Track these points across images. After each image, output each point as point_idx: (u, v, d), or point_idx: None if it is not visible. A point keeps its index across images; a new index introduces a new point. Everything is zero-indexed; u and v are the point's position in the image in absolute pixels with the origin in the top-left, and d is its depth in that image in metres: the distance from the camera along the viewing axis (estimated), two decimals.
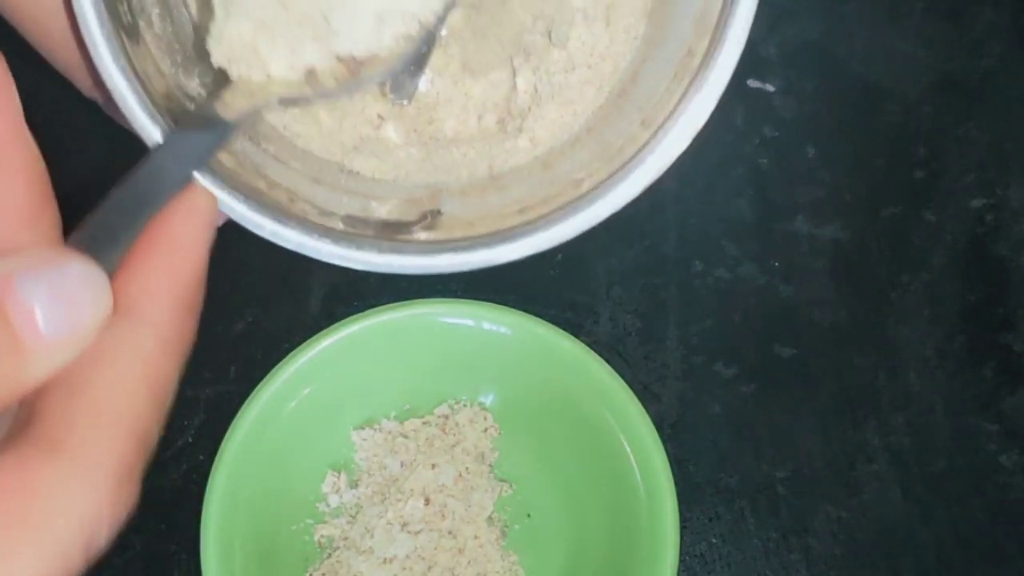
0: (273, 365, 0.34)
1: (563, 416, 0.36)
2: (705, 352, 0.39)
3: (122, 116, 0.24)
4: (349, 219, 0.25)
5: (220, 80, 0.25)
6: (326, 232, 0.24)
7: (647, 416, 0.34)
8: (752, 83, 0.45)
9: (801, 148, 0.43)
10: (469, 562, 0.35)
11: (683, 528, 0.36)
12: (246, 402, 0.34)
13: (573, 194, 0.25)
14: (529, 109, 0.28)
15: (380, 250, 0.24)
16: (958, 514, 0.37)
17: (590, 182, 0.25)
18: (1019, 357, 0.39)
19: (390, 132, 0.28)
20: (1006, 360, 0.39)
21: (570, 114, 0.28)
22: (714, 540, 0.36)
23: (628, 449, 0.34)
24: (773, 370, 0.39)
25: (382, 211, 0.26)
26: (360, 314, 0.35)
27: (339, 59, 0.25)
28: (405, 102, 0.28)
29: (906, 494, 0.37)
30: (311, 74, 0.25)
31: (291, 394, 0.35)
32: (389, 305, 0.36)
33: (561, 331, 0.35)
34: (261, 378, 0.38)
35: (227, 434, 0.34)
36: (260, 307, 0.39)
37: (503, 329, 0.35)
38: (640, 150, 0.24)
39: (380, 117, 0.28)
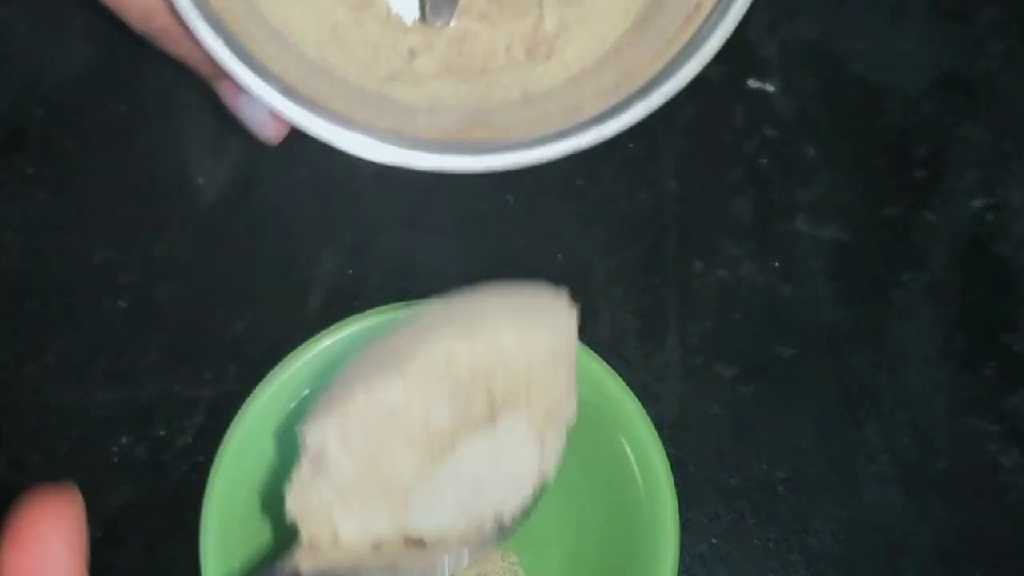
0: (273, 365, 0.34)
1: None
2: (705, 352, 0.39)
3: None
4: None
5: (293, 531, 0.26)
6: (389, 136, 0.25)
7: (647, 416, 0.34)
8: (752, 83, 0.45)
9: (801, 148, 0.43)
10: (468, 563, 0.35)
11: (683, 528, 0.36)
12: (246, 402, 0.34)
13: (609, 101, 0.25)
14: (557, 35, 0.29)
15: (432, 150, 0.25)
16: (958, 514, 0.37)
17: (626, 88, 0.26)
18: (1019, 357, 0.39)
19: (422, 65, 0.29)
20: (1006, 360, 0.39)
21: (598, 38, 0.29)
22: (714, 540, 0.36)
23: (628, 449, 0.34)
24: (773, 370, 0.39)
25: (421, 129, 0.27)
26: (360, 314, 0.35)
27: (408, 539, 0.25)
28: (439, 23, 0.28)
29: (906, 494, 0.37)
30: (377, 547, 0.25)
31: (291, 395, 0.35)
32: (389, 306, 0.36)
33: None
34: (261, 378, 0.38)
35: (227, 434, 0.34)
36: (260, 307, 0.39)
37: None
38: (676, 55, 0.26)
39: (411, 51, 0.29)
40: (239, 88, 0.25)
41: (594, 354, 0.35)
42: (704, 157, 0.43)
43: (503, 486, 0.26)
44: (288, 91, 0.24)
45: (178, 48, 0.28)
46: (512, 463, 0.26)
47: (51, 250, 0.40)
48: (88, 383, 0.38)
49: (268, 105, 0.24)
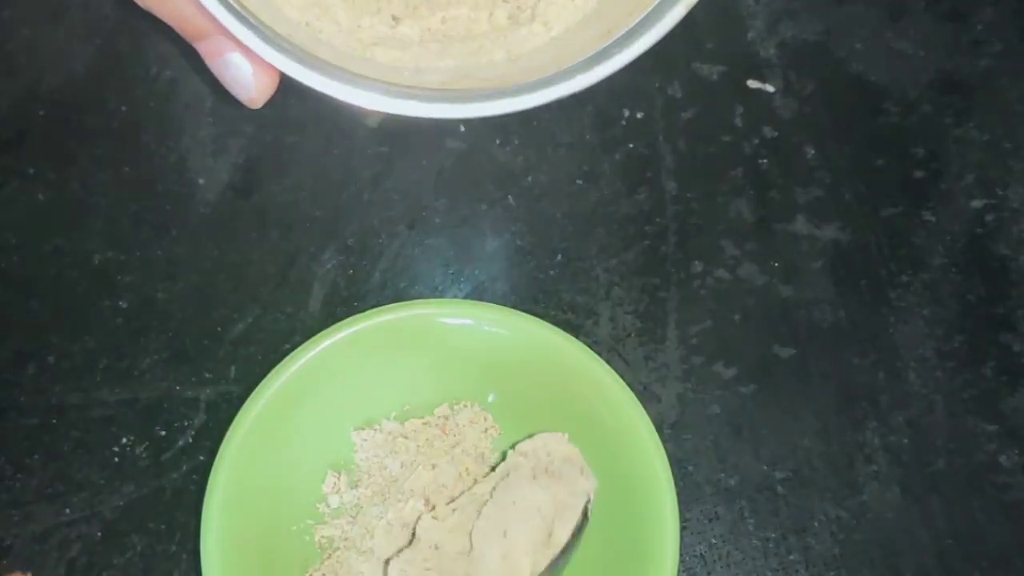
0: (273, 365, 0.34)
1: (563, 416, 0.36)
2: (705, 352, 0.39)
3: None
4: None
5: None
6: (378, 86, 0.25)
7: (647, 416, 0.34)
8: (752, 83, 0.45)
9: (801, 148, 0.43)
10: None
11: (683, 528, 0.36)
12: (246, 402, 0.34)
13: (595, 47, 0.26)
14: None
15: (424, 99, 0.25)
16: (958, 514, 0.37)
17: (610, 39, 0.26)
18: (1019, 357, 0.39)
19: (406, 31, 0.29)
20: (1006, 360, 0.39)
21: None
22: (714, 540, 0.36)
23: (628, 449, 0.34)
24: (773, 370, 0.39)
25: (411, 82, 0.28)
26: (360, 314, 0.35)
27: None
28: None
29: (906, 494, 0.37)
30: None
31: (291, 394, 0.35)
32: (389, 306, 0.36)
33: (560, 331, 0.35)
34: (261, 378, 0.38)
35: (227, 434, 0.34)
36: (260, 307, 0.39)
37: (502, 330, 0.35)
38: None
39: (395, 18, 0.29)
40: (223, 47, 0.25)
41: (594, 354, 0.35)
42: (704, 157, 0.43)
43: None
44: (275, 40, 0.24)
45: (161, 7, 0.28)
46: None
47: (51, 250, 0.40)
48: (88, 383, 0.38)
49: (258, 52, 0.24)
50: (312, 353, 0.35)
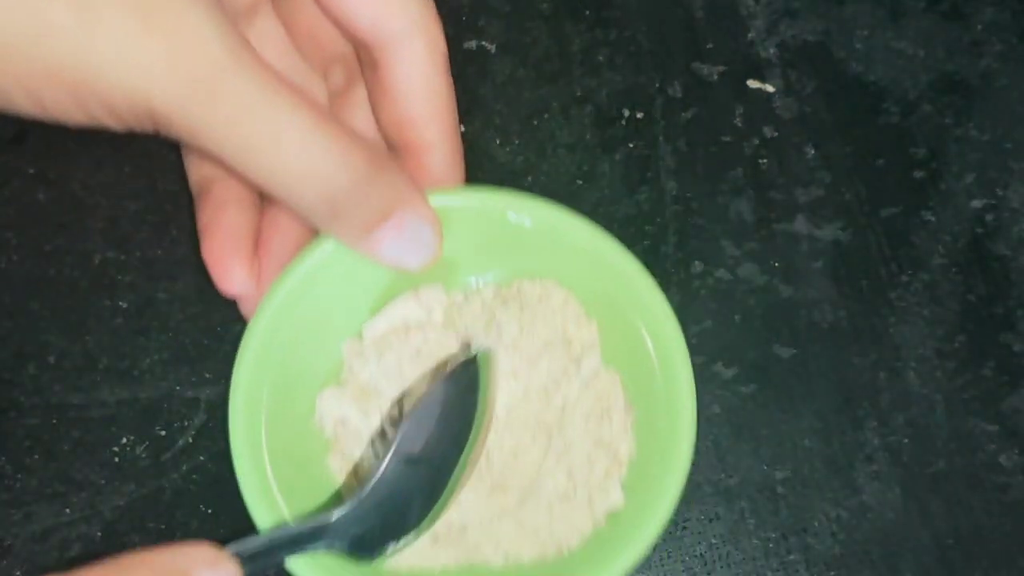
0: None
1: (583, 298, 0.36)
2: (705, 352, 0.39)
3: None
4: None
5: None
6: None
7: (660, 292, 0.34)
8: (752, 83, 0.45)
9: (801, 148, 0.43)
10: None
11: (683, 528, 0.36)
12: (286, 271, 0.33)
13: None
14: None
15: None
16: (958, 514, 0.37)
17: None
18: (1019, 357, 0.39)
19: None
20: (1006, 360, 0.39)
21: None
22: (714, 540, 0.36)
23: (641, 324, 0.34)
24: (773, 370, 0.39)
25: None
26: None
27: None
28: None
29: (906, 494, 0.37)
30: None
31: (325, 272, 0.33)
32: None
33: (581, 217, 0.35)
34: None
35: (265, 300, 0.33)
36: None
37: (526, 220, 0.35)
38: None
39: None
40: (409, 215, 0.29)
41: (611, 237, 0.34)
42: (704, 157, 0.43)
43: None
44: None
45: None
46: None
47: (51, 250, 0.40)
48: (88, 383, 0.38)
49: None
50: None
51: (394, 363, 0.35)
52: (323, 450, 0.34)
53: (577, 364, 0.35)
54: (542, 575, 0.33)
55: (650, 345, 0.34)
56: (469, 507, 0.33)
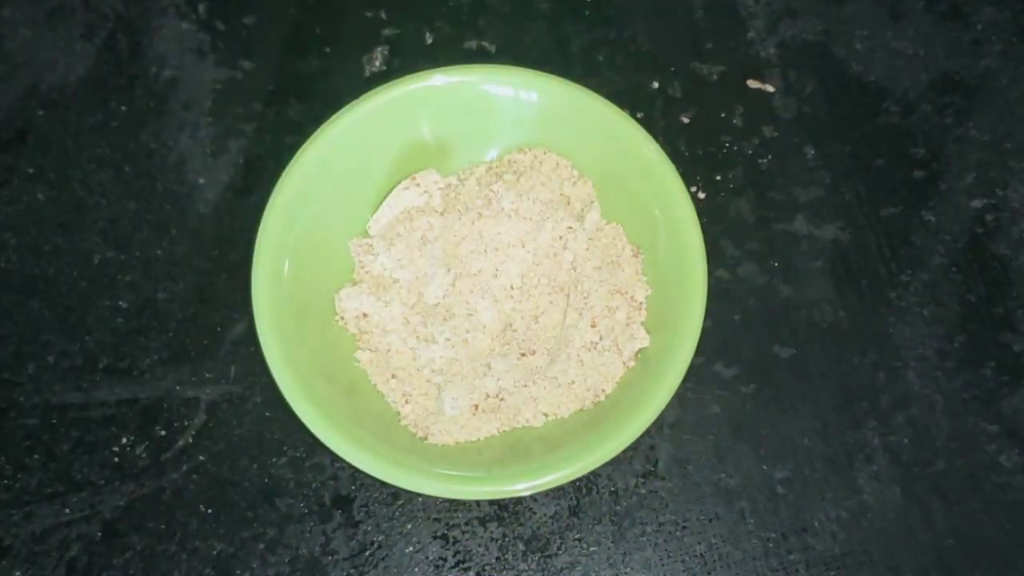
0: None
1: (593, 167, 0.37)
2: (705, 352, 0.39)
3: None
4: None
5: None
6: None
7: (666, 156, 0.35)
8: (752, 83, 0.45)
9: (801, 148, 0.43)
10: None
11: (683, 528, 0.36)
12: (315, 133, 0.35)
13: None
14: None
15: None
16: (958, 514, 0.37)
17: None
18: (1019, 357, 0.39)
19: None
20: (1006, 360, 0.39)
21: None
22: (714, 540, 0.36)
23: (650, 184, 0.35)
24: (773, 370, 0.39)
25: None
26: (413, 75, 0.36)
27: None
28: None
29: (906, 494, 0.37)
30: None
31: (352, 138, 0.36)
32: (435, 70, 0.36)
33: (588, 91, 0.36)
34: (261, 378, 0.38)
35: (295, 157, 0.35)
36: None
37: (534, 95, 0.36)
38: None
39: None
40: None
41: (628, 116, 0.36)
42: (704, 157, 0.43)
43: None
44: None
45: None
46: None
47: (51, 250, 0.40)
48: (88, 383, 0.38)
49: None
50: (372, 105, 0.36)
51: (404, 250, 0.36)
52: (350, 347, 0.35)
53: (580, 220, 0.36)
54: (584, 421, 0.33)
55: (649, 191, 0.35)
56: (503, 376, 0.34)
